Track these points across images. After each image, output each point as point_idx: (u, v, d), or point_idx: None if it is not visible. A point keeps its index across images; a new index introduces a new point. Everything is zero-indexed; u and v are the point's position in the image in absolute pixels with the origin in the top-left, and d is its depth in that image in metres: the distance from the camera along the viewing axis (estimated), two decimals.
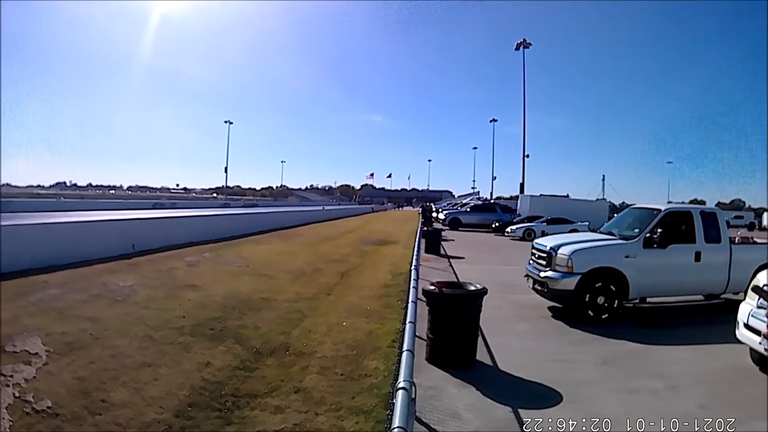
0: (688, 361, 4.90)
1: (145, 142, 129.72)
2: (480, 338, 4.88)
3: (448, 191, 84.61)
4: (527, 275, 7.23)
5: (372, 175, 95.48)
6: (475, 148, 70.83)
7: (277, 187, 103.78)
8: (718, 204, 43.79)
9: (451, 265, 11.55)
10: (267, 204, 54.96)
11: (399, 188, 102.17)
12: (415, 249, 10.67)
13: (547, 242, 7.09)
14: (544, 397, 3.91)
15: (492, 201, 41.91)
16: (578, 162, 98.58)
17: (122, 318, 5.42)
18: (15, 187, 49.76)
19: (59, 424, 3.18)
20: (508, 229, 21.98)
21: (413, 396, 2.54)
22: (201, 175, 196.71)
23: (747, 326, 4.52)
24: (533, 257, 7.30)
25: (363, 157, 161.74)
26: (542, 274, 6.71)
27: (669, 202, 10.24)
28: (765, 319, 4.26)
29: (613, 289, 6.34)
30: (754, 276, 5.05)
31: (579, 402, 3.80)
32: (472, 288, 4.72)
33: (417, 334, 3.88)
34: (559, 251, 6.58)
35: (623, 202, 43.76)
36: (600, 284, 6.31)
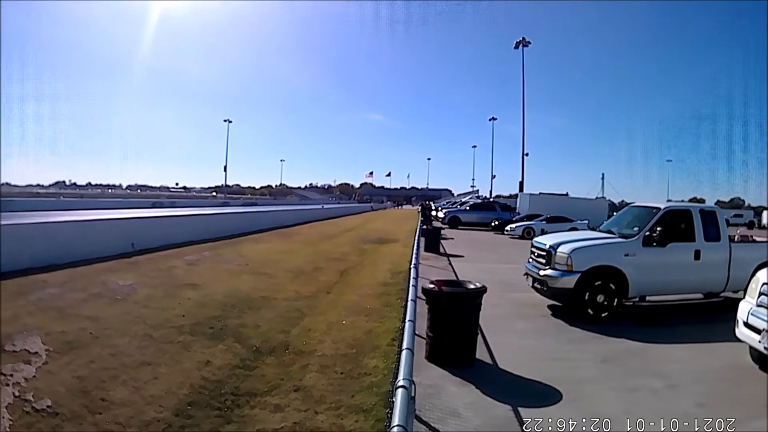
0: (688, 360, 4.91)
1: (145, 141, 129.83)
2: (479, 336, 4.89)
3: (447, 190, 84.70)
4: (527, 273, 7.23)
5: (371, 173, 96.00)
6: (475, 146, 71.05)
7: (276, 185, 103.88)
8: (718, 202, 43.72)
9: (450, 264, 11.56)
10: (266, 203, 54.92)
11: (398, 187, 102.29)
12: (415, 247, 10.69)
13: (546, 240, 7.09)
14: (543, 395, 3.91)
15: (491, 199, 41.95)
16: (578, 161, 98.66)
17: (122, 317, 5.42)
18: (15, 186, 49.78)
19: (59, 423, 3.17)
20: (508, 228, 22.01)
21: (413, 394, 2.54)
22: (200, 174, 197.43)
23: (747, 324, 4.52)
24: (533, 255, 7.30)
25: (362, 156, 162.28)
26: (542, 273, 6.71)
27: (668, 201, 10.25)
28: (765, 318, 4.26)
29: (613, 287, 6.34)
30: (753, 274, 5.04)
31: (578, 400, 3.80)
32: (472, 286, 4.71)
33: (416, 332, 3.88)
34: (558, 249, 6.58)
35: (623, 201, 43.67)
36: (599, 282, 6.31)
